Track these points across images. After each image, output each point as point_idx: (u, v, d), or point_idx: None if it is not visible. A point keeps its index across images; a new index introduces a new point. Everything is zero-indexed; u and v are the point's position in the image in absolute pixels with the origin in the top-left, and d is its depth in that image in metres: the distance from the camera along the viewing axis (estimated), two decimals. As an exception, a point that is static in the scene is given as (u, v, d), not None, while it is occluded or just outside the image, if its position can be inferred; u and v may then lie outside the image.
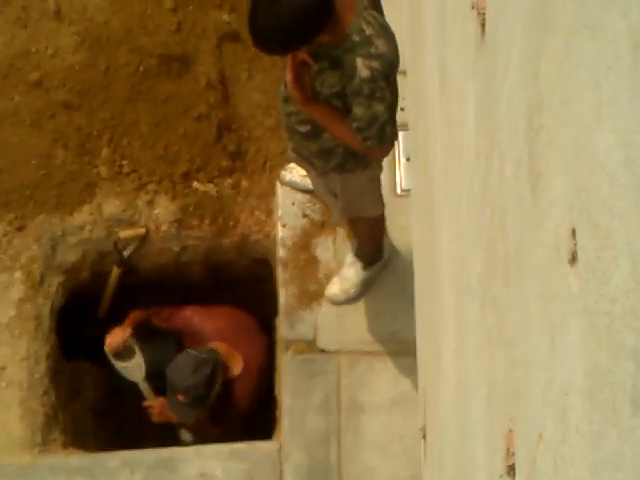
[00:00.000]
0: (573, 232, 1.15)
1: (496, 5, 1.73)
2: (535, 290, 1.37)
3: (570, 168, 1.18)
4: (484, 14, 1.86)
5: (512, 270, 1.55)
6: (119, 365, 5.23)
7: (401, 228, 4.95)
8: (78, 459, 4.99)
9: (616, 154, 1.02)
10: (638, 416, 0.96)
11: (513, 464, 1.51)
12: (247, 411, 5.14)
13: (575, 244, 1.14)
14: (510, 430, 1.55)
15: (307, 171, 4.52)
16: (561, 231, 1.20)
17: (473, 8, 1.95)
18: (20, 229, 5.25)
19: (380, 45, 3.60)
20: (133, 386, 5.21)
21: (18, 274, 5.20)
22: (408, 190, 4.93)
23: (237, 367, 5.06)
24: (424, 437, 3.52)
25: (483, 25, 1.88)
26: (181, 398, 4.76)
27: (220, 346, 5.04)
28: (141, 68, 5.40)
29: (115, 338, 5.16)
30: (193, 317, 5.27)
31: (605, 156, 1.05)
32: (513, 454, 1.52)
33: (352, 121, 3.71)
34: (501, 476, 1.56)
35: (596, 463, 1.07)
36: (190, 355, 4.83)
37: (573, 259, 1.15)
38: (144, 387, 5.24)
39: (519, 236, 1.48)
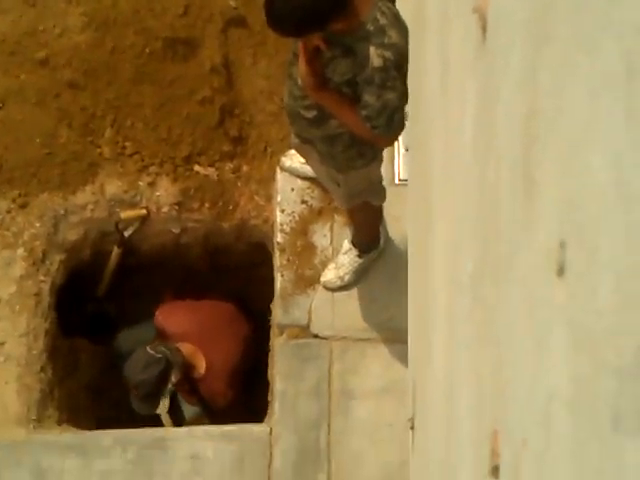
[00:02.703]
0: (562, 244, 1.14)
1: (497, 12, 1.74)
2: (522, 294, 1.36)
3: (562, 181, 1.17)
4: (485, 19, 1.88)
5: (502, 271, 1.53)
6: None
7: (396, 218, 4.95)
8: (72, 436, 5.03)
9: (607, 174, 1.02)
10: (619, 434, 0.95)
11: (498, 465, 1.49)
12: (234, 400, 5.22)
13: (563, 256, 1.14)
14: (495, 430, 1.52)
15: (308, 158, 4.51)
16: (551, 241, 1.18)
17: (474, 13, 1.96)
18: (23, 206, 5.28)
19: (393, 35, 3.62)
20: (154, 417, 5.22)
21: (20, 251, 5.23)
22: (406, 180, 4.95)
23: (202, 366, 5.14)
24: (412, 427, 3.54)
25: (484, 29, 1.89)
26: (134, 392, 4.86)
27: (184, 346, 5.13)
28: (147, 50, 5.41)
29: None
30: (158, 316, 5.36)
31: (597, 175, 1.04)
32: (498, 455, 1.49)
33: (362, 109, 3.72)
34: (485, 476, 1.54)
35: (579, 476, 1.06)
36: (144, 352, 4.94)
37: (561, 271, 1.14)
38: (166, 419, 5.27)
39: (510, 239, 1.46)
